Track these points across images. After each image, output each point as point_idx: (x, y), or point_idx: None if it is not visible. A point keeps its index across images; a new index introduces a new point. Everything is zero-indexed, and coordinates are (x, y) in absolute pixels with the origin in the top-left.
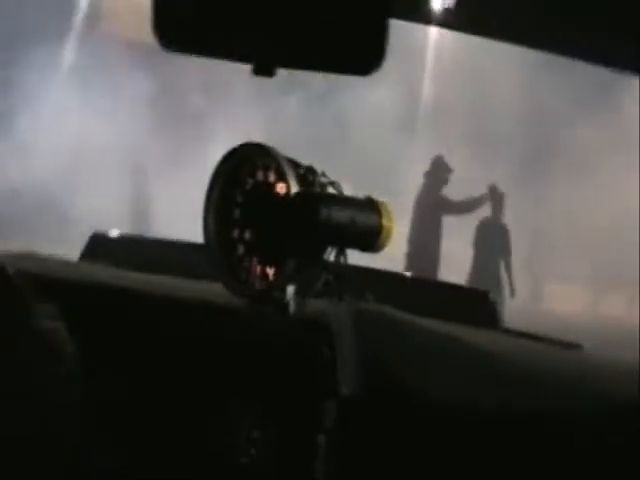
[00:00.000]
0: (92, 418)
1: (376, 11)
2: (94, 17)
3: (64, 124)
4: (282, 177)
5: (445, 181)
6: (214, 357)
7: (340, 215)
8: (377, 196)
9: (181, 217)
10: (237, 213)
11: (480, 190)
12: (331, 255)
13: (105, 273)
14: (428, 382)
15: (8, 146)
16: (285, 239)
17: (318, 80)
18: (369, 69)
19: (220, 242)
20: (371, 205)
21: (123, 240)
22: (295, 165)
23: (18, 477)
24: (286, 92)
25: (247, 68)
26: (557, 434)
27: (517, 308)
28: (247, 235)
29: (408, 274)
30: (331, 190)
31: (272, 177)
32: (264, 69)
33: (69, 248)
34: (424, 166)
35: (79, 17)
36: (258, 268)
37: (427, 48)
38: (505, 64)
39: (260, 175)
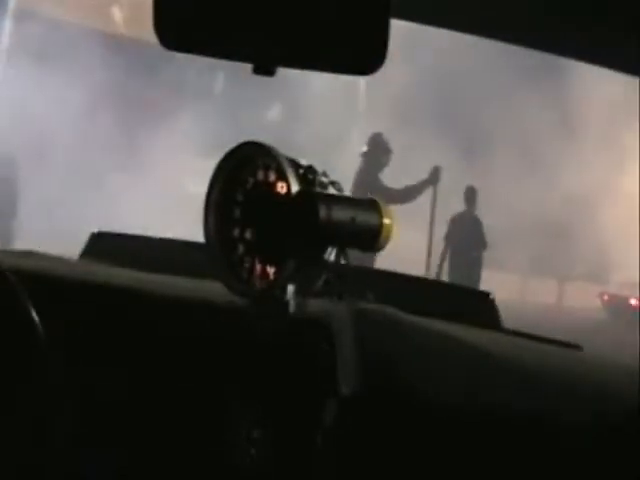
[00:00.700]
0: (92, 418)
1: (376, 11)
2: None
3: None
4: (282, 176)
5: (384, 164)
6: (214, 356)
7: (340, 214)
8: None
9: None
10: (237, 212)
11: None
12: (331, 255)
13: (105, 272)
14: (428, 382)
15: None
16: (285, 238)
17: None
18: (369, 69)
19: (221, 241)
20: (371, 204)
21: (123, 239)
22: (295, 164)
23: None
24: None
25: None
26: (557, 434)
27: None
28: (247, 234)
29: (408, 274)
30: (331, 190)
31: (272, 176)
32: (264, 69)
33: None
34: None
35: None
36: (259, 267)
37: None
38: (444, 43)
39: (260, 174)
